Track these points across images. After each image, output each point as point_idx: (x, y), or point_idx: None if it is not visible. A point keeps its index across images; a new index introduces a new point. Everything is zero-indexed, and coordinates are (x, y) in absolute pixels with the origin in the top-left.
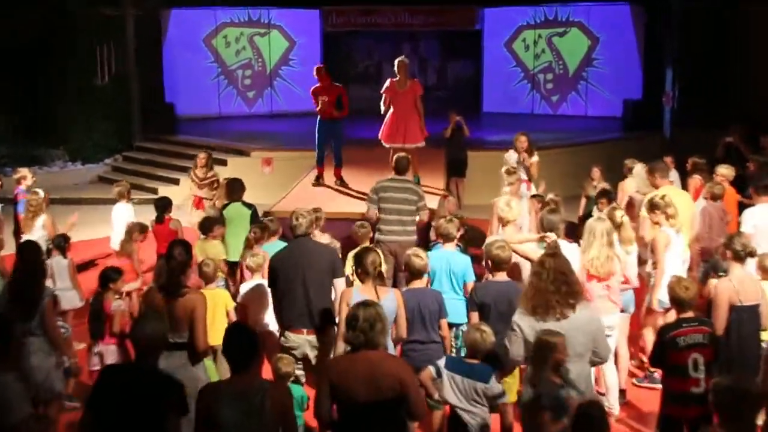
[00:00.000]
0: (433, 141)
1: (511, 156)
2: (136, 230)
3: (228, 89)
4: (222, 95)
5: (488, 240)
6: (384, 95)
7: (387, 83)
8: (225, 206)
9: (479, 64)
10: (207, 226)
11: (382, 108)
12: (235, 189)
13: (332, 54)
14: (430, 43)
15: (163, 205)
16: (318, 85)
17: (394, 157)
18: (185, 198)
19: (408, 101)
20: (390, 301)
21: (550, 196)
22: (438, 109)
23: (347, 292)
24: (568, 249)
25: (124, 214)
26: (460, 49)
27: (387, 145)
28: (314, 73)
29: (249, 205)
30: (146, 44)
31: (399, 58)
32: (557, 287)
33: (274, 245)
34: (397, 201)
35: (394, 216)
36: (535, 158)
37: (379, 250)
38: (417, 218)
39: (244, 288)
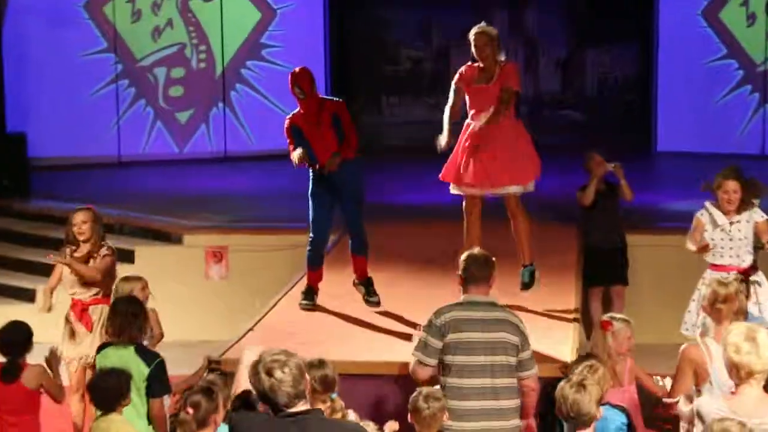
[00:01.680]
0: (554, 207)
1: (711, 217)
2: None
3: (137, 108)
4: (124, 120)
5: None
6: (453, 91)
7: (459, 72)
8: (102, 348)
9: (649, 55)
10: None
11: (446, 121)
12: (126, 316)
13: (345, 39)
14: (547, 16)
15: (13, 345)
16: (295, 112)
17: (466, 255)
18: (44, 305)
19: (494, 102)
20: None
21: None
22: (561, 147)
23: None
24: None
25: None
26: (609, 26)
27: (454, 190)
28: (290, 83)
29: (148, 355)
30: None
31: (477, 27)
32: None
33: None
34: (481, 348)
35: (477, 380)
36: (760, 215)
37: None
38: (518, 381)
39: None
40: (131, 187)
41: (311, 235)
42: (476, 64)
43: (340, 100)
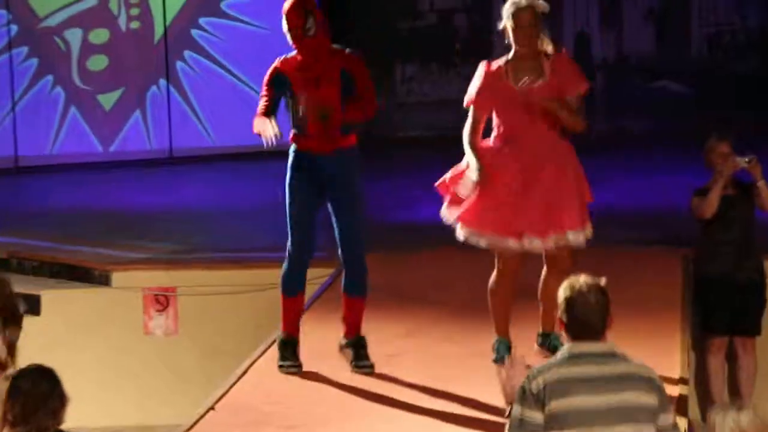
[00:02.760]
0: (651, 222)
1: None
2: None
3: (40, 88)
4: (22, 106)
5: None
6: (473, 101)
7: (481, 69)
8: None
9: None
10: None
11: (467, 137)
12: (32, 397)
13: None
14: None
15: None
16: (289, 56)
17: (569, 289)
18: None
19: (540, 117)
20: None
21: None
22: (658, 134)
23: None
24: None
25: None
26: None
27: (470, 237)
28: (290, 11)
29: None
30: None
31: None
32: None
33: None
34: (601, 418)
35: None
36: None
37: None
38: None
39: None
40: (33, 204)
41: (290, 246)
42: (507, 57)
43: (356, 53)
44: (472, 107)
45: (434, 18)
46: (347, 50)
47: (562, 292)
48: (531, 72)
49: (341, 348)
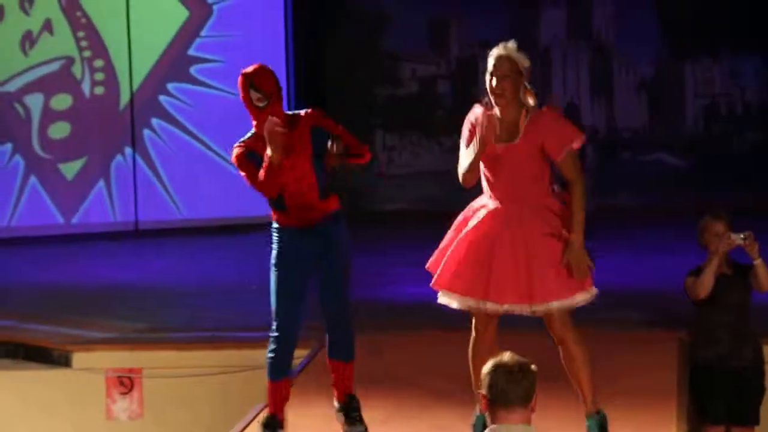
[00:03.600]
0: (644, 303)
1: None
2: None
3: None
4: None
5: None
6: (465, 142)
7: (469, 120)
8: None
9: None
10: None
11: (462, 174)
12: None
13: (319, 48)
14: (627, 13)
15: None
16: (249, 136)
17: (492, 365)
18: None
19: (526, 174)
20: None
21: None
22: (650, 209)
23: None
24: None
25: None
26: (720, 28)
27: (448, 300)
28: (243, 87)
29: None
30: None
31: (498, 48)
32: None
33: None
34: None
35: None
36: None
37: None
38: None
39: None
40: None
41: (276, 330)
42: (491, 112)
43: (314, 107)
44: (462, 147)
45: (415, 85)
46: (304, 111)
47: (485, 369)
48: (510, 128)
49: (336, 413)
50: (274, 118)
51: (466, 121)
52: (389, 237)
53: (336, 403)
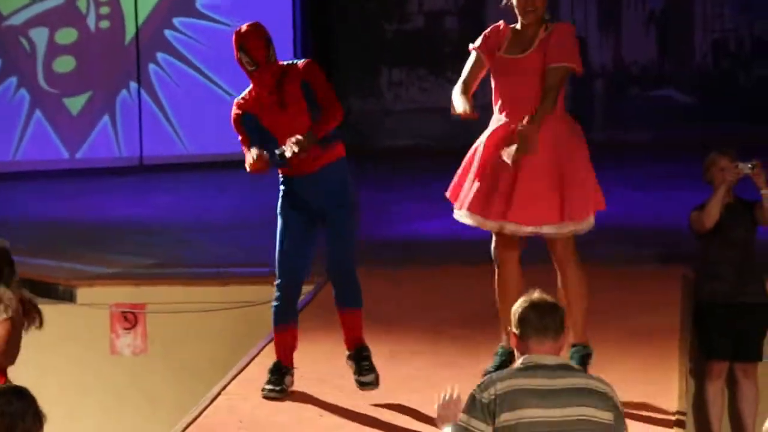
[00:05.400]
0: (647, 239)
1: None
2: None
3: (3, 91)
4: None
5: None
6: (472, 62)
7: (484, 35)
8: None
9: None
10: None
11: (460, 105)
12: (10, 421)
13: None
14: None
15: None
16: (245, 94)
17: (522, 302)
18: None
19: (535, 88)
20: None
21: None
22: (659, 145)
23: None
24: None
25: None
26: None
27: (469, 220)
28: (235, 47)
29: None
30: None
31: None
32: None
33: None
34: (556, 431)
35: None
36: None
37: None
38: None
39: None
40: None
41: (279, 277)
42: (512, 25)
43: (307, 60)
44: (470, 60)
45: (421, 20)
46: (297, 62)
47: (516, 306)
48: (522, 44)
49: (346, 360)
50: (293, 144)
51: (481, 36)
52: (396, 173)
53: (346, 351)
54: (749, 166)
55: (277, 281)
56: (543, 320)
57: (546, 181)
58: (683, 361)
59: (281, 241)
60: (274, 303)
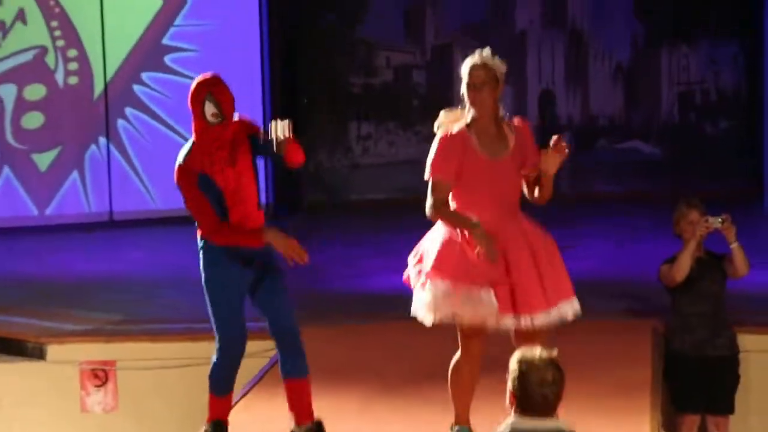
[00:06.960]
0: (617, 292)
1: None
2: None
3: None
4: None
5: None
6: (438, 170)
7: (439, 136)
8: None
9: (755, 59)
10: None
11: (435, 210)
12: None
13: (293, 38)
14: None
15: None
16: (190, 150)
17: (521, 362)
18: None
19: (514, 187)
20: None
21: None
22: (625, 197)
23: None
24: None
25: None
26: (698, 16)
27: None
28: (196, 98)
29: None
30: None
31: (473, 56)
32: None
33: None
34: None
35: None
36: None
37: None
38: None
39: None
40: None
41: (219, 344)
42: (465, 122)
43: (242, 117)
44: (433, 180)
45: (390, 74)
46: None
47: (516, 364)
48: (496, 141)
49: None
50: (282, 126)
51: (439, 135)
52: (365, 228)
53: (297, 428)
54: (719, 220)
55: (220, 348)
56: (546, 385)
57: (539, 265)
58: (655, 414)
59: (219, 312)
60: (216, 368)
